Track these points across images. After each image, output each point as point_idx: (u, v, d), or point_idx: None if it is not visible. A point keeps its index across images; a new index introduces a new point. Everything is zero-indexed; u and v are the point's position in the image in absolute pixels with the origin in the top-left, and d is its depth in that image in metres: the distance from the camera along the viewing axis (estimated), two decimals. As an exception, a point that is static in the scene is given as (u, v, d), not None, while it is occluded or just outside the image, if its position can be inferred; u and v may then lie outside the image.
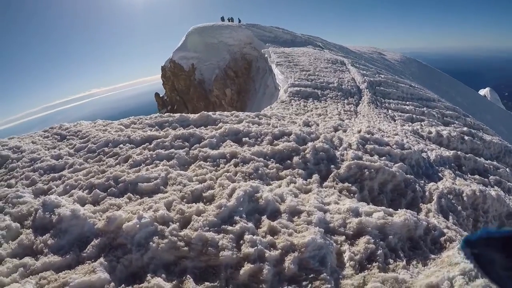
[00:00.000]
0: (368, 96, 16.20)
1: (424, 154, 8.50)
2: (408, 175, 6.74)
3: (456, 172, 8.17)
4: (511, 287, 1.05)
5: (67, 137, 8.53)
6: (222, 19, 45.45)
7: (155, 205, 4.41)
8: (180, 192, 4.87)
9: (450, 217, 5.93)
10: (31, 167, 6.66)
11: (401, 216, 4.52)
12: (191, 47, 38.72)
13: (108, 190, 5.20)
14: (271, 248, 3.70)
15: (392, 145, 7.95)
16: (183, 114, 8.77)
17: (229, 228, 3.91)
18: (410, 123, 12.74)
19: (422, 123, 12.90)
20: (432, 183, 6.96)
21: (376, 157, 7.04)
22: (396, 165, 6.89)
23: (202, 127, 7.95)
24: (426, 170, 7.74)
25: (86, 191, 5.32)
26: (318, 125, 9.55)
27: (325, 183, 5.76)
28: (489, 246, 1.08)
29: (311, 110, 13.10)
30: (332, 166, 6.29)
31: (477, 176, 8.31)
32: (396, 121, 12.95)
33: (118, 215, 4.03)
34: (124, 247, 3.73)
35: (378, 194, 6.20)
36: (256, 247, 3.59)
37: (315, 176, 5.83)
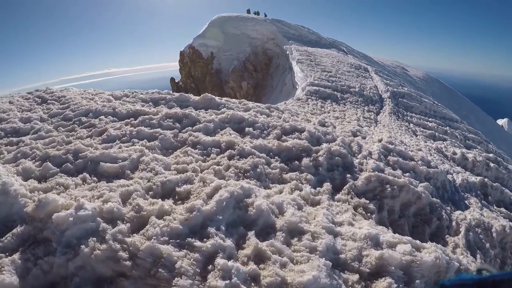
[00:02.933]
0: (390, 106, 14.99)
1: (449, 176, 7.40)
2: (434, 198, 5.68)
3: (482, 201, 7.16)
4: None
5: (48, 101, 7.58)
6: (248, 11, 44.44)
7: (108, 194, 3.34)
8: (148, 181, 3.76)
9: (478, 256, 5.07)
10: (-7, 127, 5.65)
11: (431, 252, 3.49)
12: (213, 35, 37.58)
13: (63, 166, 4.18)
14: (252, 284, 2.52)
15: (417, 160, 6.77)
16: (184, 93, 7.63)
17: (197, 243, 2.75)
18: (432, 141, 11.69)
19: (444, 142, 11.85)
20: (459, 212, 6.01)
21: (399, 171, 5.91)
22: (422, 184, 5.79)
23: (202, 110, 6.83)
24: (452, 195, 6.69)
25: (38, 163, 4.29)
26: (335, 127, 8.40)
27: (338, 196, 4.62)
28: None
29: (328, 112, 11.90)
30: (348, 175, 5.13)
31: (503, 209, 7.30)
32: (418, 136, 11.81)
33: (51, 199, 2.99)
34: (48, 245, 2.67)
35: (399, 218, 5.12)
36: (229, 280, 2.42)
37: (327, 185, 4.69)
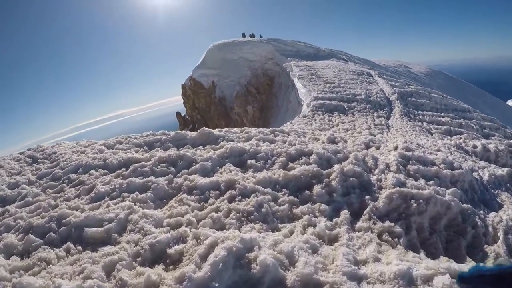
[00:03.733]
0: (399, 108, 14.39)
1: (475, 174, 6.81)
2: (464, 205, 5.11)
3: None
4: None
5: (39, 160, 7.20)
6: (243, 35, 44.48)
7: (90, 268, 2.90)
8: (136, 245, 3.28)
9: (524, 260, 4.41)
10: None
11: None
12: (211, 64, 37.49)
13: (47, 236, 3.76)
14: None
15: (439, 164, 6.18)
16: (180, 131, 7.19)
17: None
18: (448, 137, 11.12)
19: (461, 136, 11.28)
20: (493, 214, 5.43)
21: (422, 181, 5.33)
22: (449, 191, 5.22)
23: (201, 147, 6.38)
24: (482, 195, 6.12)
25: (21, 235, 3.88)
26: (346, 141, 7.84)
27: (359, 224, 4.04)
28: (482, 282, 1.08)
29: (337, 125, 11.34)
30: (367, 196, 4.57)
31: None
32: (434, 135, 11.20)
33: (26, 284, 2.62)
34: None
35: (430, 235, 4.53)
36: None
37: (344, 213, 4.12)
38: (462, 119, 13.88)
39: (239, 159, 5.58)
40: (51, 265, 3.18)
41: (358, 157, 5.61)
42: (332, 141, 7.59)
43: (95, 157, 6.31)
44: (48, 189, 5.40)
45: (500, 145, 9.54)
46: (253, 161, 5.41)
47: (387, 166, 5.66)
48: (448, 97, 20.07)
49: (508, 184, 7.03)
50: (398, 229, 4.06)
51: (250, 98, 33.82)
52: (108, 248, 3.28)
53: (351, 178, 4.86)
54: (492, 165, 8.20)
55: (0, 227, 4.16)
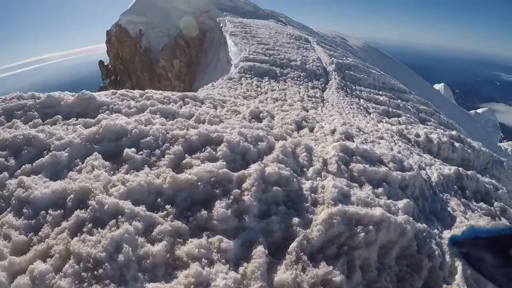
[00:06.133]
0: (336, 81, 13.24)
1: (423, 173, 5.68)
2: (419, 224, 3.93)
3: (462, 199, 5.78)
4: (504, 283, 0.99)
5: None
6: (181, -16, 41.40)
7: None
8: None
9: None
10: None
11: None
12: (141, 10, 34.12)
13: None
14: None
15: (387, 162, 4.92)
16: (53, 94, 5.19)
17: None
18: (386, 118, 10.32)
19: (400, 119, 10.52)
20: (446, 231, 4.47)
21: (368, 189, 4.00)
22: (401, 205, 4.03)
23: (73, 120, 4.52)
24: (432, 204, 5.06)
25: None
26: (273, 117, 6.35)
27: (280, 274, 2.64)
28: (476, 245, 1.02)
29: (266, 93, 9.85)
30: (296, 219, 3.14)
31: (483, 205, 6.00)
32: (372, 115, 10.24)
33: None
34: None
35: (378, 275, 3.25)
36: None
37: (259, 252, 2.70)
38: (399, 100, 13.34)
39: (114, 145, 3.80)
40: None
41: (286, 150, 4.10)
42: (256, 116, 6.09)
43: None
44: None
45: (443, 137, 8.74)
46: (133, 150, 3.65)
47: (325, 163, 4.25)
48: (386, 75, 19.40)
49: (455, 186, 6.09)
50: (338, 276, 2.73)
51: (178, 51, 31.52)
52: None
53: (274, 188, 3.35)
54: (437, 160, 7.22)
55: None
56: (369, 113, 10.41)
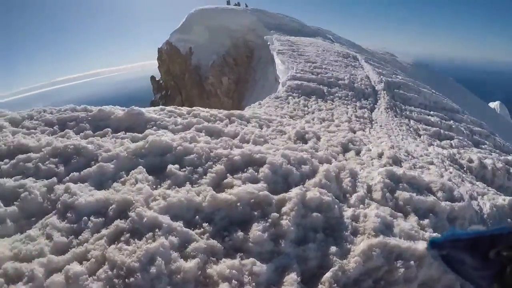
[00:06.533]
0: (385, 100, 12.86)
1: (475, 204, 5.26)
2: None
3: None
4: (483, 285, 1.02)
5: None
6: (228, 3, 42.31)
7: None
8: None
9: None
10: None
11: None
12: (191, 29, 35.09)
13: None
14: None
15: (436, 190, 4.66)
16: (104, 109, 5.46)
17: None
18: (438, 141, 9.66)
19: (452, 142, 9.85)
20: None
21: (414, 221, 3.81)
22: None
23: (121, 134, 4.71)
24: None
25: None
26: (319, 139, 6.21)
27: None
28: (456, 247, 1.03)
29: (313, 112, 9.73)
30: (333, 248, 3.00)
31: None
32: (422, 137, 9.74)
33: None
34: None
35: None
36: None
37: (291, 279, 2.62)
38: (452, 121, 12.59)
39: (159, 161, 3.91)
40: None
41: (330, 174, 4.00)
42: (302, 137, 6.00)
43: None
44: None
45: (498, 162, 8.10)
46: (176, 166, 3.72)
47: (369, 190, 4.09)
48: (437, 93, 18.73)
49: (508, 219, 5.59)
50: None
51: (226, 69, 31.97)
52: None
53: (314, 214, 3.25)
54: (490, 189, 6.71)
55: None
56: (419, 135, 9.93)
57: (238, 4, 41.95)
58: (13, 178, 3.53)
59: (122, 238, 2.70)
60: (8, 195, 3.26)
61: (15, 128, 5.13)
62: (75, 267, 2.43)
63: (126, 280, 2.37)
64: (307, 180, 3.88)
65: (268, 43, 25.46)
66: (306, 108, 10.16)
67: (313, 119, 8.82)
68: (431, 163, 6.48)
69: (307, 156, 4.40)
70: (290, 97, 11.10)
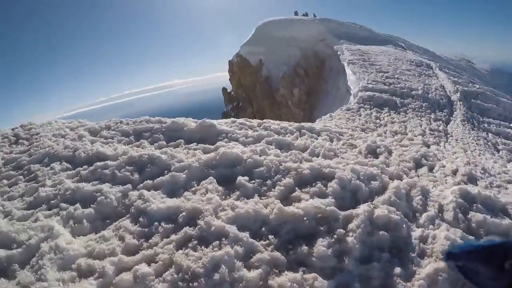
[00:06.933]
0: (462, 112, 12.23)
1: None
2: None
3: None
4: None
5: (20, 140, 6.24)
6: (296, 13, 42.56)
7: None
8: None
9: None
10: None
11: None
12: (260, 41, 35.64)
13: None
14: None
15: (512, 212, 4.34)
16: (177, 120, 5.86)
17: None
18: None
19: None
20: None
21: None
22: None
23: (193, 145, 5.03)
24: None
25: None
26: (390, 153, 6.05)
27: None
28: (472, 258, 1.20)
29: (385, 125, 9.50)
30: (398, 270, 2.89)
31: None
32: (501, 152, 9.17)
33: None
34: None
35: None
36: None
37: None
38: None
39: (229, 172, 4.09)
40: None
41: (400, 191, 3.90)
42: (373, 151, 5.88)
43: (67, 146, 5.26)
44: (3, 180, 4.51)
45: None
46: (246, 178, 3.88)
47: (441, 209, 3.91)
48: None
49: None
50: None
51: (297, 80, 32.01)
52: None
53: (380, 232, 3.19)
54: None
55: None
56: (498, 150, 9.35)
57: (306, 14, 42.07)
58: (91, 183, 3.95)
59: (190, 244, 2.86)
60: (86, 198, 3.64)
61: (93, 137, 5.71)
62: (144, 268, 2.62)
63: (190, 284, 2.50)
64: (376, 196, 3.82)
65: (338, 53, 25.25)
66: (378, 121, 9.95)
67: (385, 132, 8.61)
68: (510, 181, 6.07)
69: (377, 172, 4.32)
70: (361, 109, 10.94)
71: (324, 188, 3.75)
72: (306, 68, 32.45)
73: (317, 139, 6.09)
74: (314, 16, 40.69)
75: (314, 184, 3.83)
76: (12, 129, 7.09)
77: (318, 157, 4.89)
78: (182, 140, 5.18)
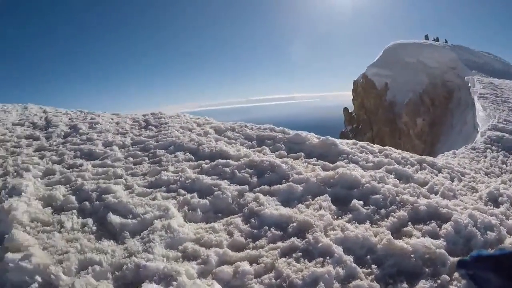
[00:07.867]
0: None
1: None
2: None
3: None
4: None
5: (149, 126, 7.36)
6: (426, 37, 40.45)
7: (74, 257, 2.90)
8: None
9: None
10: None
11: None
12: (387, 63, 34.87)
13: (82, 203, 3.97)
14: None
15: None
16: (300, 133, 6.22)
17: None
18: None
19: None
20: None
21: None
22: None
23: (313, 159, 5.34)
24: None
25: (69, 192, 4.22)
26: (512, 204, 5.65)
27: None
28: (482, 267, 1.08)
29: (511, 172, 8.77)
30: None
31: None
32: None
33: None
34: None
35: None
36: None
37: None
38: None
39: (345, 193, 4.21)
40: (57, 232, 3.21)
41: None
42: (494, 199, 5.51)
43: (193, 139, 5.99)
44: (129, 157, 5.39)
45: None
46: (360, 203, 3.95)
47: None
48: None
49: None
50: None
51: (422, 108, 30.73)
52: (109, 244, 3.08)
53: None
54: None
55: (62, 179, 4.52)
56: None
57: (437, 39, 39.90)
58: (211, 177, 4.42)
59: (294, 255, 3.02)
60: (204, 190, 4.10)
61: (218, 136, 6.29)
62: (245, 266, 2.83)
63: (286, 293, 2.65)
64: (489, 248, 3.63)
65: (469, 85, 23.67)
66: (504, 166, 9.15)
67: (510, 180, 7.98)
68: None
69: (495, 222, 4.08)
70: (488, 150, 10.15)
71: (438, 228, 3.65)
72: (432, 97, 30.98)
73: (437, 175, 5.88)
74: (446, 41, 38.49)
75: (428, 222, 3.76)
76: (144, 115, 8.22)
77: (436, 194, 4.75)
78: (302, 153, 5.44)
